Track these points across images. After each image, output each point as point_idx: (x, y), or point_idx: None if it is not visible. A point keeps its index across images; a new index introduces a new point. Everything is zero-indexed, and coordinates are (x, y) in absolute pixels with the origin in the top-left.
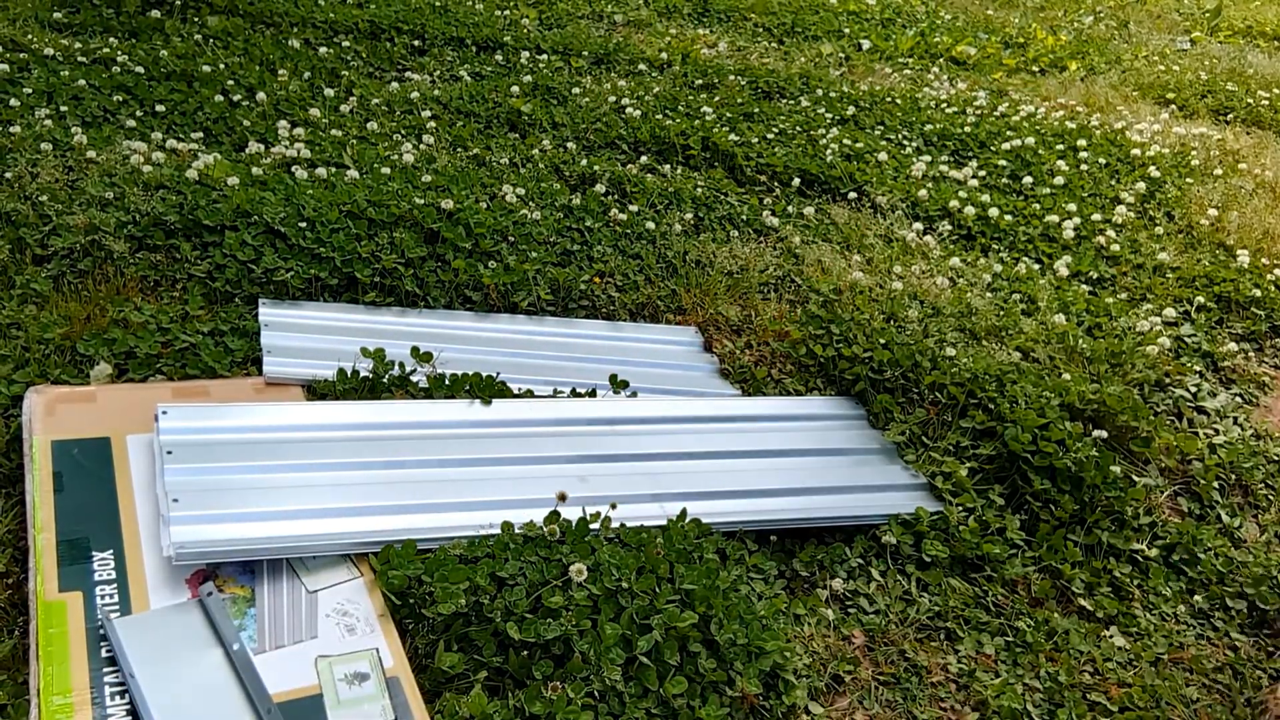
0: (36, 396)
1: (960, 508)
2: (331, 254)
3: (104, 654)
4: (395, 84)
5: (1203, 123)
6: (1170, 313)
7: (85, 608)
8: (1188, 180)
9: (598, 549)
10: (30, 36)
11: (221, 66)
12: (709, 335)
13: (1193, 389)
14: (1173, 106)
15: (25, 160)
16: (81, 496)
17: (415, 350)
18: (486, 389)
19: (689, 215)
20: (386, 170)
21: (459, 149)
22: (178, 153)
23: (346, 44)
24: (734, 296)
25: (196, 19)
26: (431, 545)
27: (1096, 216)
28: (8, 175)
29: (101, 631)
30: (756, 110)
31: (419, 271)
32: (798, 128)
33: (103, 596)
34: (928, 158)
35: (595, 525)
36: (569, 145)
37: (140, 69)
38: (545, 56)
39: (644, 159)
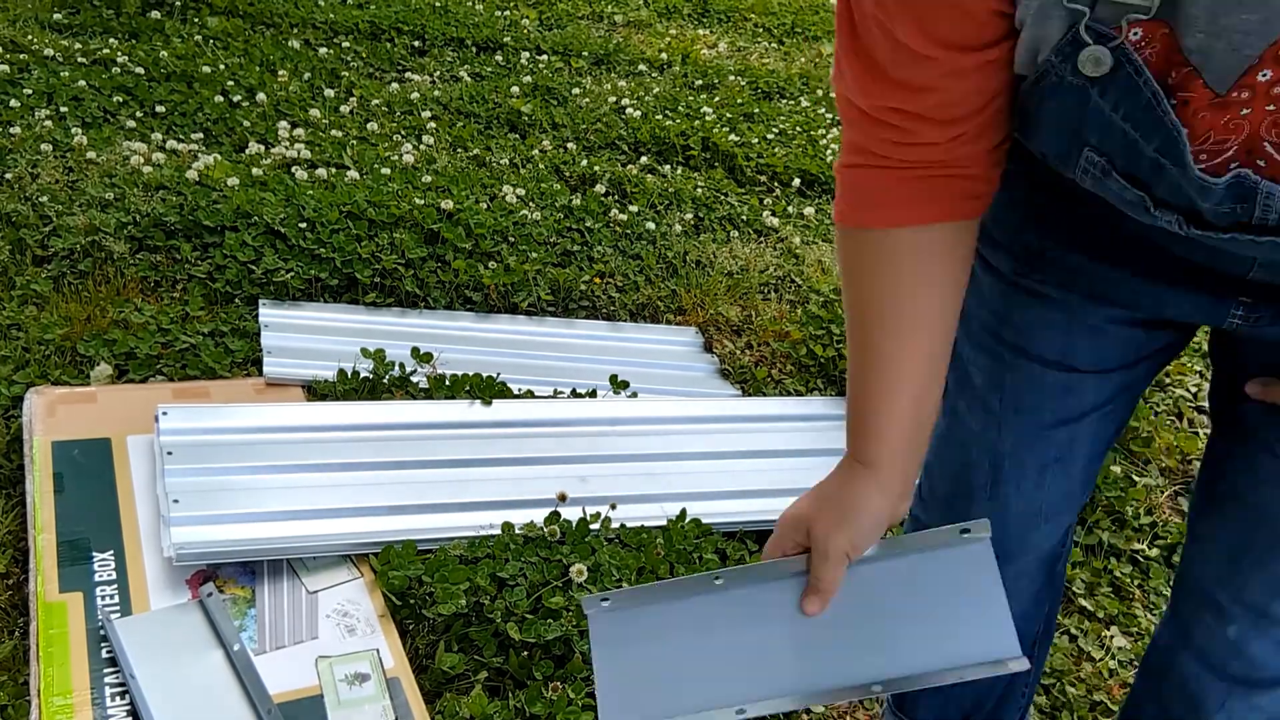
0: (37, 397)
1: None
2: (331, 255)
3: (104, 654)
4: (395, 85)
5: None
6: None
7: (86, 608)
8: None
9: (598, 550)
10: (30, 37)
11: (221, 67)
12: (709, 336)
13: (1193, 389)
14: None
15: (25, 161)
16: (82, 497)
17: (415, 351)
18: (487, 389)
19: (689, 215)
20: (386, 171)
21: (459, 149)
22: (178, 153)
23: (346, 45)
24: (734, 297)
25: (196, 20)
26: (432, 546)
27: None
28: (8, 176)
29: (102, 632)
30: (756, 110)
31: (419, 272)
32: (798, 128)
33: (103, 597)
34: None
35: (595, 526)
36: (569, 146)
37: (140, 70)
38: (545, 57)
39: (644, 159)
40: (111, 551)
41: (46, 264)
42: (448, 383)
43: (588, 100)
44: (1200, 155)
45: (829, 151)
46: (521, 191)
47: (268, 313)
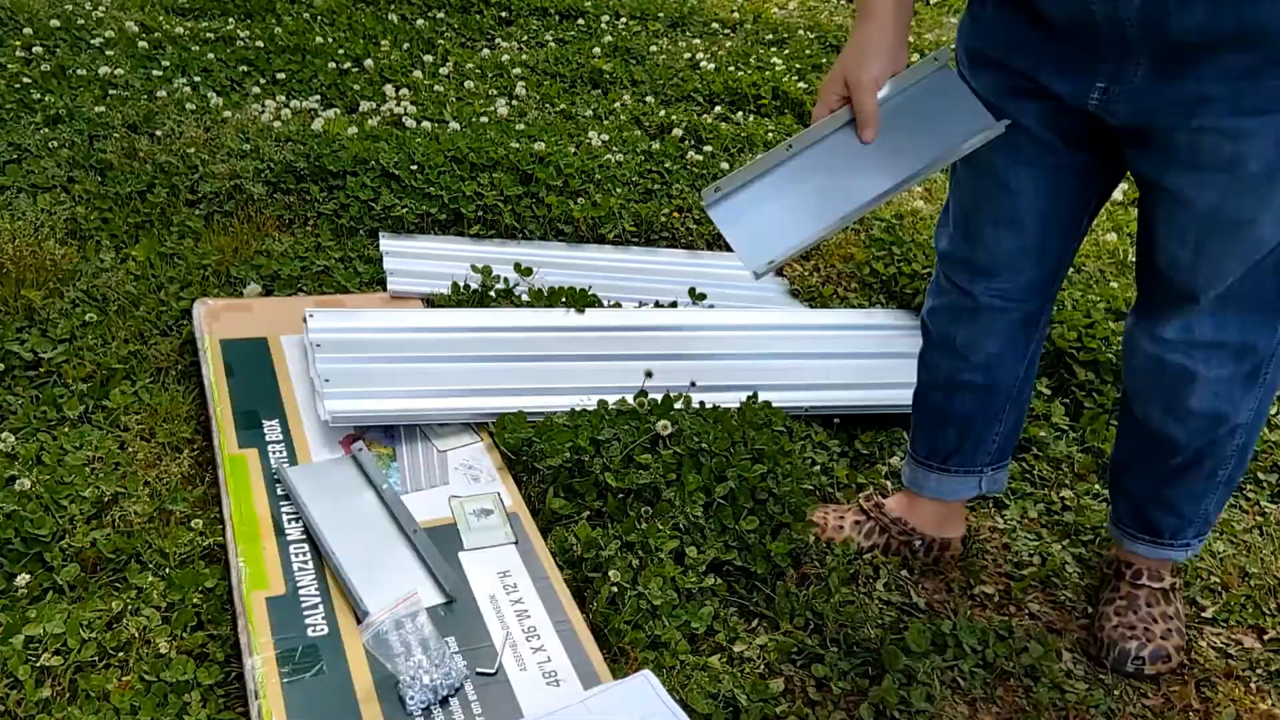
0: (203, 307)
1: None
2: (440, 193)
3: (279, 494)
4: (486, 50)
5: None
6: None
7: (261, 460)
8: None
9: (679, 420)
10: (160, 19)
11: (330, 40)
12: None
13: None
14: None
15: (172, 121)
16: (249, 381)
17: (518, 265)
18: (580, 300)
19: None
20: (484, 120)
21: (547, 105)
22: (300, 112)
23: (440, 17)
24: None
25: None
26: (538, 418)
27: None
28: (158, 133)
29: (276, 478)
30: (825, 61)
31: (516, 207)
32: None
33: (274, 453)
34: None
35: (678, 404)
36: (648, 99)
37: (260, 44)
38: (624, 21)
39: (718, 109)
40: (277, 419)
41: (197, 205)
42: (546, 294)
43: (664, 58)
44: None
45: None
46: (606, 138)
47: (388, 242)
